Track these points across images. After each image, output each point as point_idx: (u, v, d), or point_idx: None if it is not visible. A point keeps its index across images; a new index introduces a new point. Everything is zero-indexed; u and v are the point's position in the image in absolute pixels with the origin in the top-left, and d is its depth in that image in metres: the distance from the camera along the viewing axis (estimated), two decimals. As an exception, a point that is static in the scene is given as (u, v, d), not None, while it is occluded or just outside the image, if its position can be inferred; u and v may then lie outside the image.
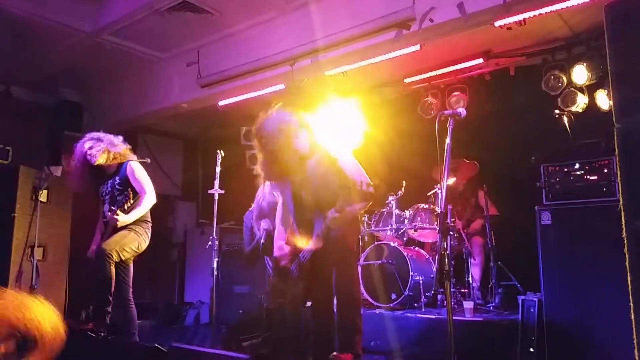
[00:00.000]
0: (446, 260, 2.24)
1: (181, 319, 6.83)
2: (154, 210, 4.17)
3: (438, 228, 2.29)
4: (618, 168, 1.80)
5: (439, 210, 2.50)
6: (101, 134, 4.15)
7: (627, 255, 1.78)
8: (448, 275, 2.20)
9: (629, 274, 1.79)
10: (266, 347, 2.64)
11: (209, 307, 6.27)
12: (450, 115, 2.60)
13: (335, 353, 2.48)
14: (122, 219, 3.78)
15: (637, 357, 1.67)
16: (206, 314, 6.77)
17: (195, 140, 8.46)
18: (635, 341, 1.73)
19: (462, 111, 2.62)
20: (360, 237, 5.20)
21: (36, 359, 1.70)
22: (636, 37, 1.76)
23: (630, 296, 1.79)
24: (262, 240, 4.80)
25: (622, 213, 1.80)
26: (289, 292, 3.05)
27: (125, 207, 3.76)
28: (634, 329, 1.76)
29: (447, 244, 2.72)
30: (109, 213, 3.78)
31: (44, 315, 1.73)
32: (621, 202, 1.80)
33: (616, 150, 1.82)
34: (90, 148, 4.02)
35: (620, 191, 1.76)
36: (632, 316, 1.76)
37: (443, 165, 2.55)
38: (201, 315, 6.87)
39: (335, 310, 2.82)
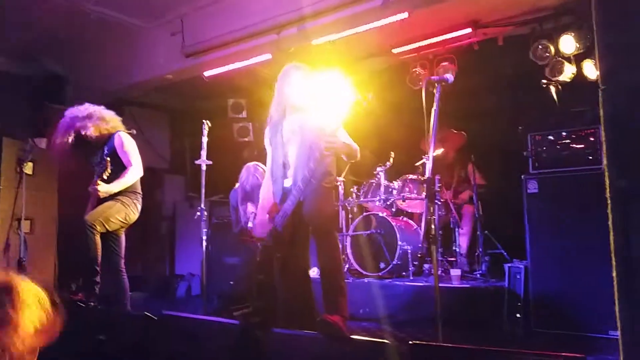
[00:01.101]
0: (432, 225, 2.25)
1: (172, 291, 6.87)
2: (142, 183, 4.14)
3: (425, 193, 2.30)
4: (602, 129, 1.81)
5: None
6: (90, 107, 4.08)
7: (609, 215, 1.80)
8: (435, 240, 2.22)
9: (611, 233, 1.82)
10: (257, 316, 2.67)
11: (200, 279, 6.31)
12: (438, 82, 2.60)
13: (323, 315, 2.52)
14: (103, 188, 3.74)
15: (617, 313, 1.71)
16: (197, 286, 6.81)
17: (182, 113, 8.35)
18: (615, 297, 1.77)
19: (450, 77, 2.61)
20: (340, 205, 5.25)
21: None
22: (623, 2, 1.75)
23: (612, 254, 1.82)
24: (250, 225, 4.84)
25: (606, 173, 1.81)
26: (267, 261, 3.10)
27: (104, 177, 3.72)
28: (615, 285, 1.79)
29: (433, 209, 2.73)
30: (91, 185, 3.74)
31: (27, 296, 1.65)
32: (605, 162, 1.81)
33: (600, 111, 1.83)
34: (82, 125, 3.97)
35: (604, 152, 1.77)
36: (614, 273, 1.79)
37: (430, 133, 2.54)
38: (192, 287, 6.91)
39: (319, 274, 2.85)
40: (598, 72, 1.77)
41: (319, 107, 2.99)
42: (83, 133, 3.97)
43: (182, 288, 6.91)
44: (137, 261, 7.24)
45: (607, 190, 1.73)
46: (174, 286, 6.95)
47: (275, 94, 3.25)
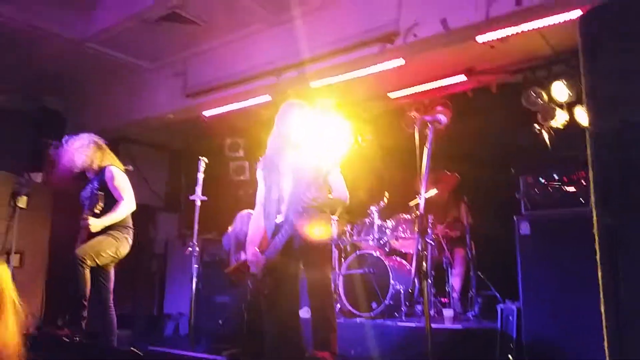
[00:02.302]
0: (424, 261, 2.27)
1: (160, 329, 6.76)
2: (135, 220, 4.13)
3: (417, 228, 2.32)
4: (590, 167, 1.86)
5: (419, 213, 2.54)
6: (87, 137, 4.13)
7: (597, 251, 1.82)
8: (426, 275, 2.23)
9: (599, 269, 1.84)
10: (245, 356, 2.63)
11: (188, 317, 6.22)
12: (430, 122, 2.66)
13: (312, 351, 2.48)
14: (94, 222, 3.73)
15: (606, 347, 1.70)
16: (186, 326, 6.69)
17: (180, 152, 8.44)
18: (605, 334, 1.77)
19: (442, 118, 2.69)
20: (334, 243, 5.25)
21: None
22: (609, 41, 1.83)
23: (601, 289, 1.83)
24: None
25: (594, 210, 1.85)
26: (256, 295, 3.08)
27: (95, 211, 3.72)
28: (603, 322, 1.80)
29: (425, 245, 2.75)
30: (81, 219, 3.74)
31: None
32: (592, 200, 1.85)
33: (588, 150, 1.88)
34: (78, 154, 4.02)
35: (591, 189, 1.81)
36: (602, 308, 1.80)
37: (423, 171, 2.59)
38: (180, 327, 6.80)
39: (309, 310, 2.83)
40: (586, 115, 1.83)
41: (315, 145, 3.05)
42: (77, 162, 4.00)
43: (170, 327, 6.80)
44: (126, 299, 7.12)
45: (595, 226, 1.76)
46: (161, 325, 6.83)
47: (274, 128, 3.30)
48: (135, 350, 2.80)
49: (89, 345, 3.28)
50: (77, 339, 3.40)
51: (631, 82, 1.70)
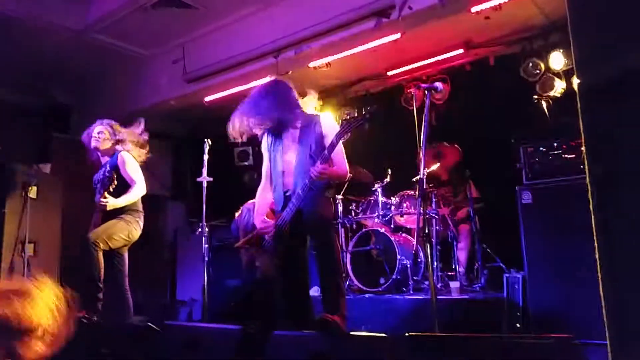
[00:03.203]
0: (426, 224, 2.33)
1: (173, 316, 6.86)
2: (144, 210, 4.21)
3: (417, 193, 2.39)
4: (580, 120, 1.90)
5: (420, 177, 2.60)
6: (105, 121, 4.23)
7: (590, 199, 1.87)
8: (428, 238, 2.29)
9: (593, 218, 1.88)
10: (253, 327, 2.71)
11: (202, 303, 6.33)
12: (427, 89, 2.71)
13: (322, 314, 2.57)
14: (111, 201, 3.82)
15: (604, 313, 1.74)
16: (198, 311, 6.80)
17: (184, 140, 8.51)
18: (601, 290, 1.81)
19: (439, 85, 2.75)
20: (339, 222, 5.32)
21: (33, 348, 1.61)
22: None
23: (595, 237, 1.88)
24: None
25: (585, 160, 1.89)
26: (265, 264, 3.15)
27: (110, 189, 3.80)
28: (598, 270, 1.85)
29: (425, 208, 2.81)
30: (97, 196, 3.82)
31: (39, 304, 1.64)
32: (583, 150, 1.90)
33: (578, 104, 1.92)
34: (98, 133, 4.15)
35: (583, 139, 1.86)
36: (596, 254, 1.85)
37: (422, 136, 2.65)
38: (194, 312, 6.91)
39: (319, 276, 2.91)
40: (573, 66, 1.88)
41: (317, 115, 3.11)
42: (95, 144, 4.10)
43: (183, 313, 6.91)
44: (138, 288, 7.23)
45: (587, 176, 1.82)
46: (175, 311, 6.95)
47: (270, 99, 3.27)
48: (152, 326, 2.90)
49: (107, 325, 3.38)
50: (95, 319, 3.51)
51: (617, 31, 1.74)
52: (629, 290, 1.68)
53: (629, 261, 1.72)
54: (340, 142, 3.14)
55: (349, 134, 2.93)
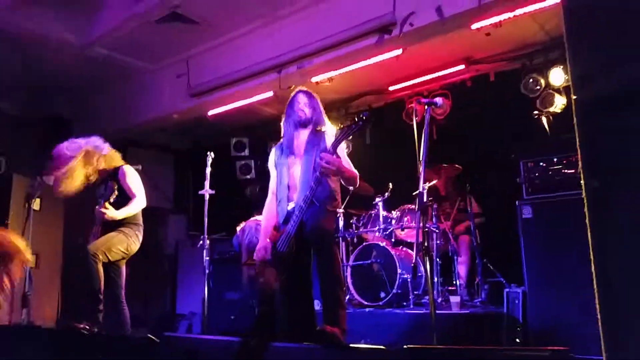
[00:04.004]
0: (426, 237, 2.35)
1: (173, 329, 6.84)
2: (145, 222, 4.22)
3: (417, 207, 2.41)
4: (577, 135, 1.93)
5: (419, 192, 2.63)
6: (83, 141, 4.19)
7: (586, 212, 1.89)
8: (428, 251, 2.31)
9: (589, 232, 1.90)
10: (253, 339, 2.71)
11: (201, 316, 6.32)
12: (427, 104, 2.75)
13: (323, 325, 2.57)
14: (110, 213, 3.83)
15: (600, 327, 1.73)
16: (198, 324, 6.78)
17: (186, 154, 8.57)
18: (595, 292, 1.82)
19: (439, 100, 2.78)
20: (339, 236, 5.32)
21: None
22: (591, 10, 1.89)
23: (591, 251, 1.89)
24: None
25: (581, 174, 1.92)
26: (267, 280, 3.17)
27: (111, 200, 3.82)
28: (594, 284, 1.86)
29: (425, 222, 2.83)
30: (97, 207, 3.84)
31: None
32: (580, 165, 1.92)
33: (574, 119, 1.95)
34: (73, 157, 4.09)
35: (579, 154, 1.89)
36: (592, 268, 1.86)
37: (423, 150, 2.68)
38: (193, 326, 6.89)
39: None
40: (570, 82, 1.91)
41: (322, 129, 3.15)
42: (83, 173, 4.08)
43: (182, 327, 6.89)
44: (139, 300, 7.25)
45: (583, 190, 1.84)
46: (175, 324, 6.93)
47: (284, 116, 3.38)
48: (151, 337, 2.90)
49: (107, 336, 3.38)
50: (96, 330, 3.51)
51: (612, 49, 1.78)
52: (625, 304, 1.69)
53: (625, 276, 1.74)
54: (345, 152, 3.18)
55: (347, 140, 2.96)
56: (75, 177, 4.05)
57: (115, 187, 3.84)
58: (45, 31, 5.22)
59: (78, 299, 4.16)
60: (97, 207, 3.86)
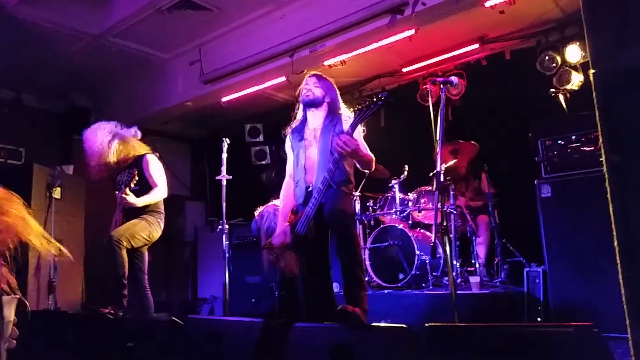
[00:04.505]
0: (444, 218, 2.35)
1: (195, 314, 6.95)
2: (165, 210, 4.27)
3: (435, 186, 2.41)
4: (596, 110, 1.91)
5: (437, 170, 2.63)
6: (113, 128, 4.26)
7: (608, 188, 1.88)
8: (446, 230, 2.32)
9: (610, 206, 1.89)
10: (275, 319, 2.75)
11: (223, 299, 6.41)
12: (442, 83, 2.73)
13: (344, 305, 2.61)
14: (131, 200, 3.89)
15: (624, 303, 1.72)
16: (220, 308, 6.89)
17: (201, 141, 8.64)
18: (620, 273, 1.82)
19: (455, 79, 2.76)
20: (357, 219, 5.34)
21: None
22: None
23: (614, 227, 1.89)
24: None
25: (602, 150, 1.90)
26: (288, 263, 3.20)
27: (132, 185, 3.87)
28: (617, 260, 1.85)
29: (443, 202, 2.83)
30: (118, 192, 3.89)
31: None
32: (600, 140, 1.91)
33: (594, 93, 1.93)
34: (103, 144, 4.16)
35: (599, 130, 1.88)
36: (615, 245, 1.85)
37: (438, 133, 2.67)
38: (215, 309, 6.99)
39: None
40: (588, 58, 1.88)
41: (337, 109, 3.17)
42: (106, 158, 4.14)
43: (205, 310, 7.00)
44: (161, 287, 7.38)
45: (604, 166, 1.83)
46: (197, 309, 7.05)
47: (298, 100, 3.41)
48: (175, 319, 2.97)
49: (132, 320, 3.46)
50: (121, 314, 3.59)
51: (630, 22, 1.75)
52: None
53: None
54: (361, 135, 3.19)
55: (365, 120, 2.96)
56: (110, 161, 4.13)
57: (136, 173, 3.89)
58: (61, 22, 5.25)
59: (102, 284, 4.26)
60: (117, 192, 3.92)
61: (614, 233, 1.80)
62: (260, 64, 5.48)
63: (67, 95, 6.95)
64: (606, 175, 1.86)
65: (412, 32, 4.80)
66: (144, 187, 4.05)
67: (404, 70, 6.17)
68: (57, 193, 5.09)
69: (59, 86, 6.74)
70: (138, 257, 4.11)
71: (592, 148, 4.00)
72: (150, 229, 4.08)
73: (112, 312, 3.58)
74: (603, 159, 1.89)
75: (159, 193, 4.12)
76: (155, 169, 4.17)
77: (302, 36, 5.02)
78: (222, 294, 5.67)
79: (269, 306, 5.38)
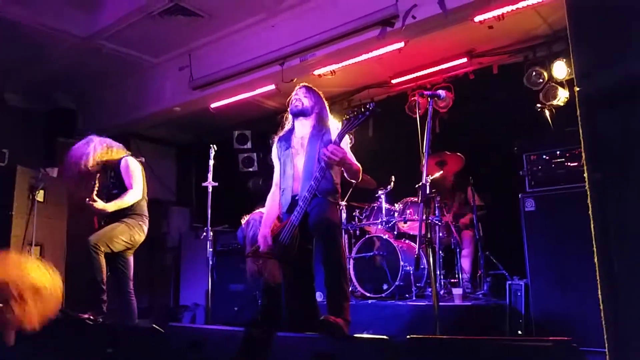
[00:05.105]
0: (428, 229, 2.36)
1: (177, 321, 6.88)
2: (148, 215, 4.23)
3: (420, 199, 2.42)
4: (580, 128, 1.94)
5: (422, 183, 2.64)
6: (91, 142, 4.19)
7: (589, 204, 1.90)
8: (431, 243, 2.32)
9: (592, 223, 1.91)
10: (257, 329, 2.73)
11: (205, 307, 6.36)
12: (430, 96, 2.76)
13: (326, 315, 2.60)
14: (99, 205, 3.83)
15: (602, 319, 1.74)
16: (202, 316, 6.83)
17: (189, 147, 8.60)
18: (599, 287, 1.83)
19: (442, 93, 2.79)
20: (342, 229, 5.33)
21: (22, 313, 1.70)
22: (594, 4, 1.89)
23: (594, 244, 1.90)
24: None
25: (585, 167, 1.92)
26: (271, 272, 3.19)
27: (95, 190, 3.81)
28: (597, 275, 1.87)
29: (428, 214, 2.85)
30: (86, 199, 3.83)
31: (33, 273, 1.74)
32: (583, 158, 1.93)
33: (578, 112, 1.96)
34: (85, 161, 4.09)
35: (582, 147, 1.90)
36: (595, 261, 1.87)
37: (425, 143, 2.69)
38: (197, 317, 6.93)
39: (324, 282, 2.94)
40: (573, 75, 1.91)
41: (325, 119, 3.18)
42: (85, 167, 4.10)
43: (186, 318, 6.93)
44: (143, 292, 7.29)
45: (586, 182, 1.85)
46: (178, 316, 6.98)
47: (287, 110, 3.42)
48: (156, 327, 2.93)
49: (112, 326, 3.41)
50: (100, 320, 3.54)
51: (615, 41, 1.78)
52: (627, 297, 1.70)
53: (628, 268, 1.75)
54: (348, 145, 3.20)
55: (353, 130, 2.97)
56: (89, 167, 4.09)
57: (111, 176, 3.86)
58: (49, 23, 5.21)
59: (82, 289, 4.20)
60: (86, 199, 3.86)
61: (595, 250, 1.82)
62: (250, 72, 5.48)
63: (53, 97, 6.88)
64: (588, 192, 1.89)
65: (401, 44, 4.85)
66: (121, 189, 4.01)
67: (393, 81, 6.21)
68: (40, 196, 5.03)
69: (44, 87, 6.67)
70: (122, 261, 4.05)
71: (576, 164, 4.05)
72: (131, 233, 4.02)
73: (91, 317, 3.53)
74: (585, 175, 1.91)
75: (131, 196, 4.02)
76: (133, 170, 4.12)
77: (293, 45, 5.04)
78: (205, 302, 5.63)
79: (252, 315, 5.35)
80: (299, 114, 3.30)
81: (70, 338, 3.33)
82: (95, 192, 3.82)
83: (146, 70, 6.44)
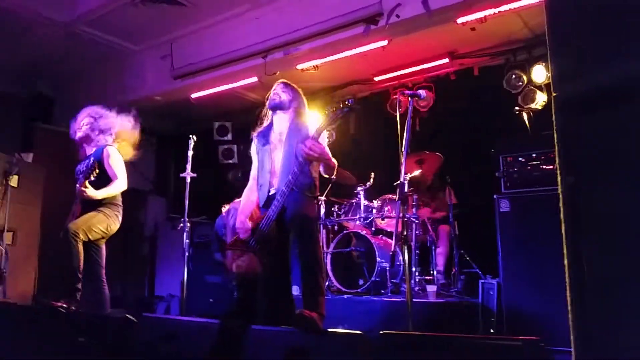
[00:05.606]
0: (405, 227, 2.39)
1: (151, 311, 6.83)
2: (124, 203, 4.21)
3: (397, 197, 2.45)
4: (554, 132, 1.97)
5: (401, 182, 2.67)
6: (103, 111, 4.22)
7: (561, 208, 1.94)
8: (406, 240, 2.36)
9: (562, 225, 1.95)
10: (232, 321, 2.74)
11: (180, 298, 6.32)
12: (410, 96, 2.78)
13: (301, 310, 2.62)
14: (90, 192, 3.81)
15: (570, 319, 1.78)
16: (176, 307, 6.79)
17: (169, 137, 8.51)
18: (567, 288, 1.87)
19: (422, 93, 2.81)
20: (321, 224, 5.37)
21: None
22: (573, 7, 1.93)
23: (564, 246, 1.94)
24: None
25: (558, 170, 1.96)
26: (247, 263, 3.19)
27: (91, 177, 3.80)
28: (566, 277, 1.91)
29: (404, 212, 2.89)
30: (77, 185, 3.81)
31: None
32: (557, 161, 1.97)
33: (553, 116, 1.99)
34: (83, 123, 4.12)
35: (556, 151, 1.94)
36: (565, 263, 1.91)
37: (405, 141, 2.72)
38: (172, 308, 6.89)
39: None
40: (550, 81, 1.95)
41: (303, 114, 3.18)
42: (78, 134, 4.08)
43: (161, 308, 6.89)
44: (117, 281, 7.21)
45: (559, 186, 1.90)
46: (153, 306, 6.93)
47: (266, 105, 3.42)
48: (129, 317, 2.91)
49: (85, 315, 3.38)
50: (74, 309, 3.50)
51: (591, 49, 1.82)
52: (594, 299, 1.75)
53: (596, 271, 1.80)
54: (326, 142, 3.21)
55: (333, 126, 2.99)
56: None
57: (96, 167, 3.81)
58: (29, 8, 5.10)
59: (56, 277, 4.15)
60: (77, 184, 3.84)
61: (565, 252, 1.87)
62: (232, 63, 5.46)
63: (31, 82, 6.75)
64: (560, 195, 1.94)
65: (385, 42, 4.88)
66: (103, 179, 3.97)
67: (376, 79, 6.25)
68: (13, 181, 4.93)
69: (23, 72, 6.55)
70: (95, 250, 4.02)
71: (551, 167, 4.13)
72: (108, 222, 4.00)
73: (64, 305, 3.49)
74: (559, 179, 1.96)
75: (119, 185, 4.03)
76: (116, 161, 4.09)
77: (277, 38, 5.03)
78: (180, 293, 5.60)
79: (227, 307, 5.34)
80: (277, 107, 3.31)
81: (42, 326, 3.30)
82: (88, 179, 3.79)
83: (127, 57, 6.36)
